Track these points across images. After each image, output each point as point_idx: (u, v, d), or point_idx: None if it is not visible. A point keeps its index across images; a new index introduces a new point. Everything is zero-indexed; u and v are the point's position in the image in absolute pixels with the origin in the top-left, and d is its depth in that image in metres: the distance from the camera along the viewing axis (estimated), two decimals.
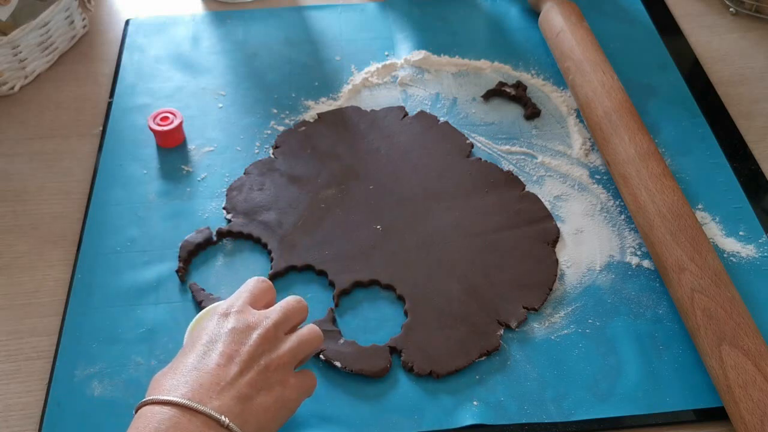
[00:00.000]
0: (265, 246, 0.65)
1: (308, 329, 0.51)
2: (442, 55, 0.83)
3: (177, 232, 0.66)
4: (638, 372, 0.57)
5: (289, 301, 0.52)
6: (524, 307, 0.60)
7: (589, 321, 0.60)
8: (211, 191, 0.70)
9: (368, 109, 0.77)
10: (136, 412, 0.44)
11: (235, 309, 0.50)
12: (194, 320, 0.55)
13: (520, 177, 0.70)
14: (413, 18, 0.88)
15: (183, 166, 0.72)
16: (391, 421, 0.54)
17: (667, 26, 0.87)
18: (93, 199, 0.69)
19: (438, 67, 0.82)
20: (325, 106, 0.78)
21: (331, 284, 0.62)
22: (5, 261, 0.65)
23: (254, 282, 0.53)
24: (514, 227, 0.66)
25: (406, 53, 0.83)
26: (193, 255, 0.64)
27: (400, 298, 0.61)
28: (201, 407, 0.43)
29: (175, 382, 0.45)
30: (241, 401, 0.45)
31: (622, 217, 0.67)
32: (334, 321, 0.59)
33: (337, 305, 0.61)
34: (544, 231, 0.66)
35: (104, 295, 0.61)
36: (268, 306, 0.52)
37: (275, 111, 0.77)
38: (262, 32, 0.87)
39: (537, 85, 0.80)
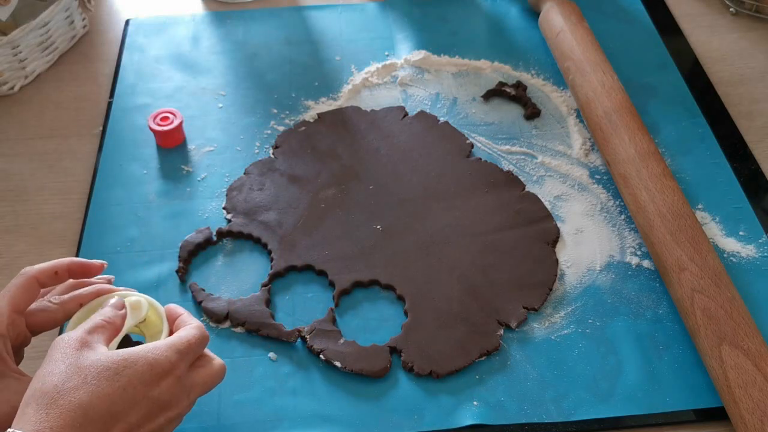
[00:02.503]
0: (265, 246, 0.65)
1: (211, 382, 0.48)
2: (442, 55, 0.83)
3: (177, 232, 0.66)
4: (638, 372, 0.57)
5: (215, 375, 0.48)
6: (524, 307, 0.60)
7: (589, 321, 0.60)
8: (211, 191, 0.70)
9: (368, 109, 0.77)
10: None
11: (178, 373, 0.45)
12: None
13: (520, 177, 0.70)
14: (413, 18, 0.88)
15: (183, 166, 0.72)
16: (391, 421, 0.54)
17: (667, 26, 0.87)
18: (93, 199, 0.69)
19: (438, 67, 0.82)
20: (325, 106, 0.78)
21: (331, 284, 0.62)
22: (5, 261, 0.65)
23: (202, 339, 0.48)
24: (514, 227, 0.66)
25: (406, 53, 0.83)
26: (193, 255, 0.64)
27: (400, 298, 0.61)
28: None
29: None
30: None
31: (622, 217, 0.67)
32: (334, 321, 0.59)
33: (337, 305, 0.61)
34: (544, 231, 0.66)
35: None
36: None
37: (275, 111, 0.77)
38: (262, 32, 0.87)
39: (537, 85, 0.80)
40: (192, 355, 0.47)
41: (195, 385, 0.47)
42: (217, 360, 0.49)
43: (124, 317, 0.48)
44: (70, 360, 0.43)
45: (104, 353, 0.44)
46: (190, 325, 0.48)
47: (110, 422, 0.41)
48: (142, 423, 0.43)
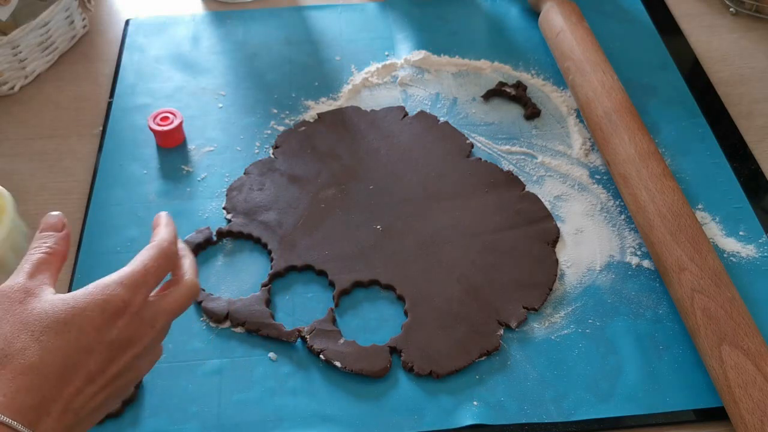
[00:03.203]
0: (265, 246, 0.65)
1: (176, 309, 0.45)
2: (442, 55, 0.83)
3: (177, 232, 0.66)
4: (638, 372, 0.57)
5: (182, 297, 0.45)
6: (524, 307, 0.60)
7: (589, 321, 0.60)
8: (211, 191, 0.70)
9: (368, 109, 0.77)
10: None
11: (133, 309, 0.42)
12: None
13: (520, 177, 0.70)
14: (413, 18, 0.88)
15: (183, 166, 0.72)
16: (391, 421, 0.54)
17: (667, 26, 0.87)
18: (93, 199, 0.69)
19: (438, 67, 0.82)
20: (325, 106, 0.78)
21: (331, 284, 0.62)
22: None
23: (161, 261, 0.44)
24: (514, 227, 0.66)
25: (406, 53, 0.83)
26: (193, 255, 0.64)
27: (400, 298, 0.61)
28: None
29: (14, 384, 0.37)
30: (70, 425, 0.39)
31: (622, 217, 0.67)
32: (334, 321, 0.59)
33: (337, 305, 0.61)
34: (544, 231, 0.66)
35: None
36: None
37: (275, 111, 0.77)
38: (262, 32, 0.87)
39: (537, 85, 0.80)
40: (150, 284, 0.43)
41: (159, 314, 0.43)
42: (186, 279, 0.46)
43: (67, 237, 0.45)
44: (14, 318, 0.40)
45: (50, 301, 0.40)
46: (146, 248, 0.45)
47: (67, 375, 0.39)
48: (104, 368, 0.41)
